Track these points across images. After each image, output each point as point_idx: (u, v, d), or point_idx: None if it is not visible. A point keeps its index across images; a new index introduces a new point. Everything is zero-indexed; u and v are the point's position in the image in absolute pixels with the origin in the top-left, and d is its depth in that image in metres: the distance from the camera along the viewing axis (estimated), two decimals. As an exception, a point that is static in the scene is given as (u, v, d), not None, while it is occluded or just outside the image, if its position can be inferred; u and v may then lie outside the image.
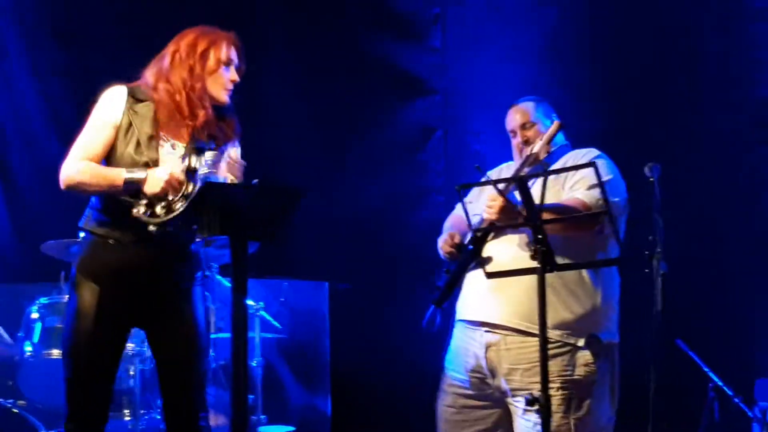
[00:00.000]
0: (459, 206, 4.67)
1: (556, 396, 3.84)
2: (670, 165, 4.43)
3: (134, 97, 3.96)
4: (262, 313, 6.09)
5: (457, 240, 4.39)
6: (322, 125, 6.60)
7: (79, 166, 3.88)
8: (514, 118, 4.55)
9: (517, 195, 3.96)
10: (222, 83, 4.00)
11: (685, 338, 5.31)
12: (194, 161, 3.74)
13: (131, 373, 5.58)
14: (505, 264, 4.05)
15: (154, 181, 3.74)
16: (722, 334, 5.71)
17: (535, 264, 3.72)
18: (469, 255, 4.30)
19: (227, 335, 5.58)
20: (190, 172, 3.72)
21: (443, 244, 4.44)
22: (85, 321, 3.87)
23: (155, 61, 4.06)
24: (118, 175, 3.80)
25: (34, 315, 5.55)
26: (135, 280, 3.91)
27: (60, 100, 6.56)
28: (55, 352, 5.44)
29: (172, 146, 3.96)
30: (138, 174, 3.78)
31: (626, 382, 5.37)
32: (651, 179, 4.28)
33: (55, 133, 6.52)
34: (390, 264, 6.37)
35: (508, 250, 4.17)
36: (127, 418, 5.68)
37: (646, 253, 4.21)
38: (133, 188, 3.77)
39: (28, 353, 5.49)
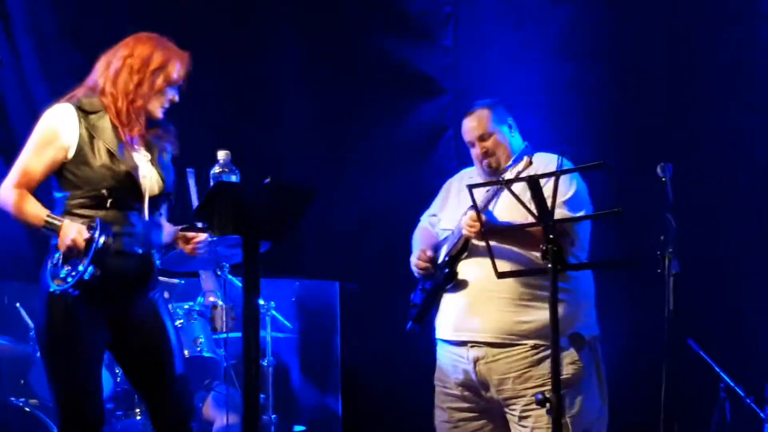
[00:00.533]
0: (425, 218, 4.72)
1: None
2: (682, 165, 4.42)
3: (83, 111, 3.91)
4: (273, 312, 6.08)
5: (430, 254, 4.45)
6: (332, 125, 6.60)
7: (12, 195, 3.82)
8: (470, 129, 4.52)
9: (493, 207, 4.03)
10: (162, 102, 3.98)
11: (696, 338, 5.29)
12: (105, 239, 3.63)
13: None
14: (481, 284, 4.12)
15: (63, 234, 3.68)
16: (734, 333, 5.70)
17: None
18: (446, 277, 4.35)
19: (239, 334, 5.60)
20: (102, 253, 3.62)
21: (418, 261, 4.50)
22: (59, 332, 3.83)
23: (105, 57, 4.04)
24: (40, 216, 3.76)
25: (47, 314, 5.54)
26: (99, 294, 3.80)
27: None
28: (67, 351, 5.44)
29: (138, 152, 3.97)
30: (56, 221, 3.72)
31: (638, 382, 5.38)
32: (663, 179, 4.27)
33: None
34: (401, 264, 6.36)
35: (480, 270, 4.18)
36: (138, 418, 5.68)
37: (658, 253, 4.21)
38: (51, 233, 3.73)
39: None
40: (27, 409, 5.43)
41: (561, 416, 3.63)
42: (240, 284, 3.77)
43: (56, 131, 3.86)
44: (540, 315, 4.14)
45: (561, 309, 4.10)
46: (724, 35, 5.97)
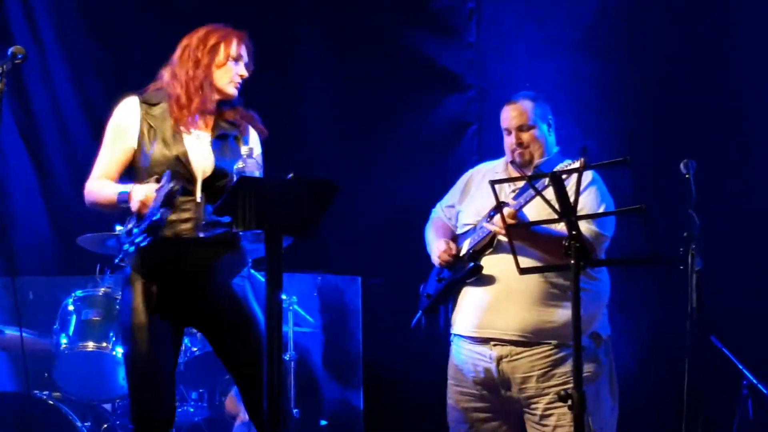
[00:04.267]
0: (438, 210, 4.68)
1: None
2: (705, 161, 4.40)
3: (147, 103, 4.04)
4: (296, 307, 6.09)
5: (455, 250, 4.41)
6: (356, 120, 6.61)
7: (92, 186, 4.00)
8: (510, 117, 4.46)
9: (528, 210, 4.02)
10: (230, 76, 4.07)
11: (719, 335, 5.27)
12: (172, 185, 3.70)
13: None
14: (506, 281, 4.13)
15: (134, 195, 3.79)
16: (757, 331, 5.67)
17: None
18: (471, 271, 4.32)
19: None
20: (170, 196, 3.68)
21: (442, 253, 4.44)
22: (137, 316, 3.93)
23: (172, 56, 4.13)
24: (113, 191, 3.89)
25: (70, 308, 5.58)
26: (178, 276, 3.95)
27: (94, 93, 6.59)
28: (90, 345, 5.47)
29: (197, 137, 4.02)
30: (126, 188, 3.84)
31: (661, 379, 5.36)
32: (687, 176, 4.27)
33: (89, 127, 6.55)
34: (423, 259, 6.37)
35: (505, 267, 4.16)
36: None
37: (681, 250, 4.20)
38: (125, 203, 3.83)
39: (64, 345, 5.51)
40: (51, 402, 5.46)
41: (583, 412, 3.62)
42: (262, 279, 3.77)
43: (121, 123, 4.03)
44: (565, 314, 4.13)
45: (583, 307, 4.13)
46: (750, 30, 5.94)
